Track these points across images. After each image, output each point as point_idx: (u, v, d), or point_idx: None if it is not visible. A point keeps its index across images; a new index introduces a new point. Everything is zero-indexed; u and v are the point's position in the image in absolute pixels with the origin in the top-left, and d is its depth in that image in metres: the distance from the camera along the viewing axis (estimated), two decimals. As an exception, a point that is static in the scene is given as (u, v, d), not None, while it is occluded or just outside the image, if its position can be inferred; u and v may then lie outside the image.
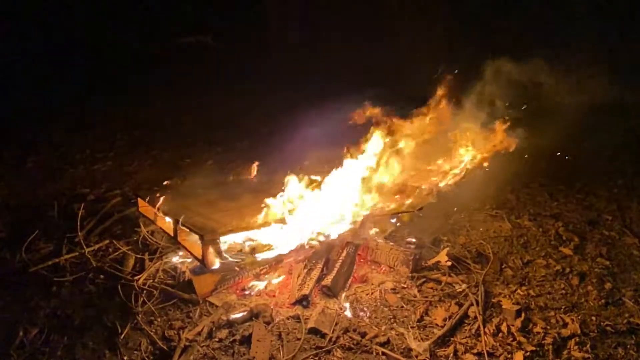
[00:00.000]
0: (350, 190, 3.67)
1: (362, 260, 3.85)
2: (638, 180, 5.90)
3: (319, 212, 3.53)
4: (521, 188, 5.59)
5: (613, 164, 6.56)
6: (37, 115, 8.19)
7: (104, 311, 3.18)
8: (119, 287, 3.38)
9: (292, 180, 3.73)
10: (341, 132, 4.35)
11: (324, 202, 3.61)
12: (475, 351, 2.89)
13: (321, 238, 3.45)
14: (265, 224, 3.42)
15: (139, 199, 4.10)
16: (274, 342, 2.94)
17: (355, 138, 4.01)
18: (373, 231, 3.88)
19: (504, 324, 3.09)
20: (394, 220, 4.13)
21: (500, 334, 3.03)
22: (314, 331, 3.01)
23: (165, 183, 4.42)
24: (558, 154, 6.16)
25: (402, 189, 3.89)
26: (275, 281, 3.47)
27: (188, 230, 3.36)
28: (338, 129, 4.53)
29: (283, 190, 3.68)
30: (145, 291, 3.37)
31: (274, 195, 3.68)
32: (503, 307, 3.27)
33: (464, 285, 3.52)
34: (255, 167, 4.42)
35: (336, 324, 3.07)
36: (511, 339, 2.99)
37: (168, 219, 3.66)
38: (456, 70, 4.05)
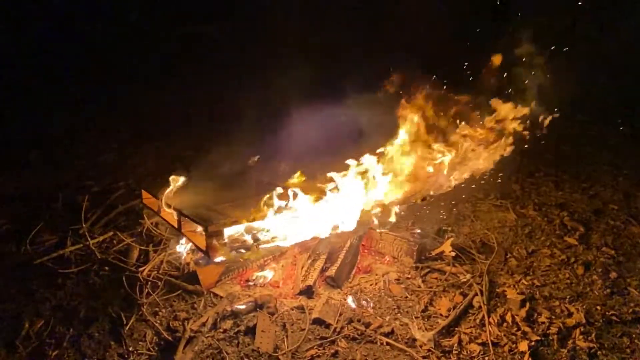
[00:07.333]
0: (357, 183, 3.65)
1: (366, 250, 3.85)
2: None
3: (327, 205, 3.52)
4: (526, 178, 5.56)
5: (619, 153, 6.50)
6: (41, 107, 8.20)
7: (109, 303, 3.20)
8: (124, 278, 3.39)
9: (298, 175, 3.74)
10: (343, 127, 4.36)
11: (332, 195, 3.59)
12: (479, 341, 2.89)
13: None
14: (269, 215, 3.41)
15: (142, 191, 4.10)
16: (278, 332, 2.95)
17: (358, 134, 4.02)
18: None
19: (509, 314, 3.08)
20: (398, 210, 4.12)
21: (504, 324, 3.02)
22: (318, 322, 3.02)
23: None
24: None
25: (409, 179, 3.87)
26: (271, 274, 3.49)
27: (192, 221, 3.36)
28: (341, 124, 4.53)
29: (289, 183, 3.68)
30: (149, 282, 3.38)
31: (279, 187, 3.67)
32: (508, 297, 3.26)
33: (468, 275, 3.51)
34: (259, 159, 4.41)
35: (340, 315, 3.08)
36: (516, 328, 2.98)
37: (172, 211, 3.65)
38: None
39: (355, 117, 4.57)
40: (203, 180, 4.15)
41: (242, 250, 3.28)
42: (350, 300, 3.24)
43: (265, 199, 3.45)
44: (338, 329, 2.97)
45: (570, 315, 3.13)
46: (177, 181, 3.62)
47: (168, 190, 3.59)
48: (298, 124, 4.81)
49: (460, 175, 3.93)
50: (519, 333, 2.95)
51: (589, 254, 3.91)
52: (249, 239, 3.30)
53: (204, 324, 2.96)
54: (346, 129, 4.55)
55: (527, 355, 2.76)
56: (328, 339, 2.89)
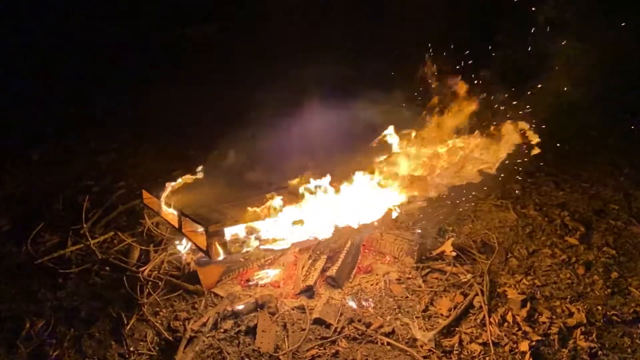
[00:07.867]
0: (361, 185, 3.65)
1: (366, 250, 3.85)
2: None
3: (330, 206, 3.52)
4: (526, 178, 5.55)
5: (619, 152, 6.49)
6: (42, 108, 8.20)
7: (109, 303, 3.20)
8: (125, 278, 3.39)
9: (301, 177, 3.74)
10: (346, 126, 4.36)
11: (334, 195, 3.59)
12: (480, 341, 2.89)
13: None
14: (270, 215, 3.41)
15: (143, 191, 4.10)
16: (279, 332, 2.95)
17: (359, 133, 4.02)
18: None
19: (510, 314, 3.09)
20: (399, 211, 4.11)
21: (505, 324, 3.03)
22: (318, 322, 3.02)
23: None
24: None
25: (411, 180, 3.86)
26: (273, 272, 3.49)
27: (192, 221, 3.36)
28: (342, 124, 4.52)
29: (292, 184, 3.68)
30: (150, 282, 3.38)
31: (280, 187, 3.68)
32: (508, 296, 3.26)
33: (469, 275, 3.51)
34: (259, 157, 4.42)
35: (341, 315, 3.08)
36: (517, 328, 2.98)
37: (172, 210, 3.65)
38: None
39: (358, 115, 4.57)
40: (204, 179, 4.15)
41: (243, 250, 3.28)
42: (350, 300, 3.24)
43: (267, 197, 3.45)
44: (339, 329, 2.97)
45: (571, 315, 3.13)
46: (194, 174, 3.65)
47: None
48: (299, 123, 4.81)
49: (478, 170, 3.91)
50: (519, 333, 2.95)
51: (590, 254, 3.91)
52: (249, 238, 3.30)
53: (204, 324, 2.97)
54: (347, 127, 4.54)
55: (528, 355, 2.76)
56: (329, 339, 2.89)
